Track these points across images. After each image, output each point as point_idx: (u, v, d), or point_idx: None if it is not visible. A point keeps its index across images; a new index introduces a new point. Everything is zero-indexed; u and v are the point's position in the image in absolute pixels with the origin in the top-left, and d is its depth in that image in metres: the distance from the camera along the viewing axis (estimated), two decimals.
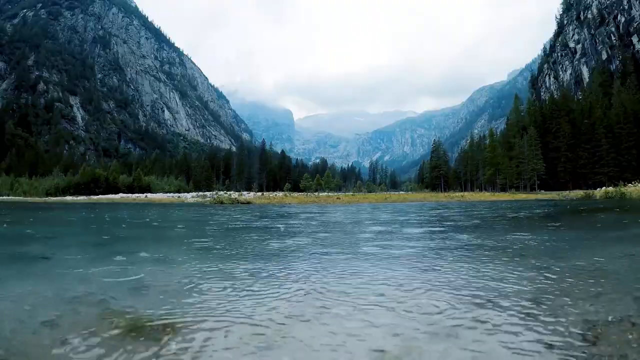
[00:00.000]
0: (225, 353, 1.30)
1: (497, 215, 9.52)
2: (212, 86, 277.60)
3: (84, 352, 1.30)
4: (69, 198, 43.00)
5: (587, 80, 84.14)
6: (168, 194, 45.09)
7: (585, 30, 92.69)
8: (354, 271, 2.68)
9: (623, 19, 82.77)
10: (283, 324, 1.58)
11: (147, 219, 10.14)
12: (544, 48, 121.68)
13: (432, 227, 6.72)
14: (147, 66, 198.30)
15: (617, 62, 77.83)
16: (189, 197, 35.19)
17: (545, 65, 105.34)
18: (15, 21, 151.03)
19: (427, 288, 2.15)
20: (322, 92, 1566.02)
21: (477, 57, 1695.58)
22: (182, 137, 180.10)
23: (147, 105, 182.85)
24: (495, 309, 1.73)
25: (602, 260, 2.94)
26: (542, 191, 45.69)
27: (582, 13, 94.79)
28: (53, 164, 78.46)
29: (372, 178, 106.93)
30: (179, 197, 37.15)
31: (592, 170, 49.97)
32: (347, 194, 52.61)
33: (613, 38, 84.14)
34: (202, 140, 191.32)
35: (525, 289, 2.10)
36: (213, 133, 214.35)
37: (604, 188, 25.29)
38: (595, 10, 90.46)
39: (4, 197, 48.42)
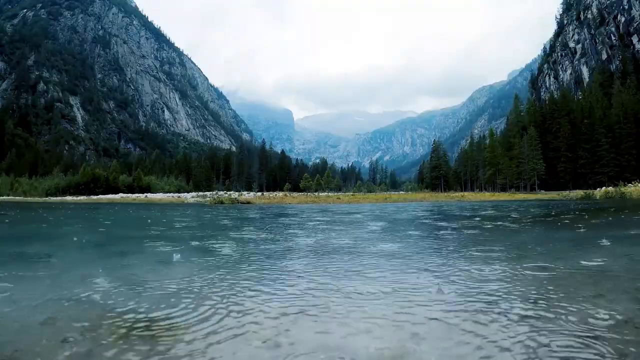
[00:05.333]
0: (225, 353, 1.29)
1: (497, 216, 9.52)
2: (212, 86, 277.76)
3: (84, 352, 1.30)
4: (69, 198, 43.02)
5: (587, 80, 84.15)
6: (168, 194, 45.08)
7: (585, 30, 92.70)
8: (353, 271, 2.68)
9: (623, 19, 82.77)
10: (283, 323, 1.59)
11: (147, 219, 10.14)
12: (544, 48, 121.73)
13: (431, 227, 6.72)
14: (147, 66, 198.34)
15: (617, 62, 77.81)
16: (189, 197, 35.19)
17: (545, 65, 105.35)
18: (15, 21, 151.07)
19: (426, 288, 2.16)
20: (322, 92, 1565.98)
21: (477, 57, 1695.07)
22: (182, 137, 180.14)
23: (147, 105, 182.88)
24: (495, 308, 1.73)
25: (602, 260, 2.94)
26: (542, 191, 45.67)
27: (582, 13, 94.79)
28: (53, 164, 78.49)
29: (372, 178, 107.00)
30: (179, 197, 37.15)
31: (592, 170, 49.93)
32: (347, 194, 52.59)
33: (613, 38, 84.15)
34: (202, 140, 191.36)
35: (525, 289, 2.10)
36: (213, 133, 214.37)
37: (604, 188, 25.28)
38: (595, 10, 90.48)
39: (4, 197, 48.43)
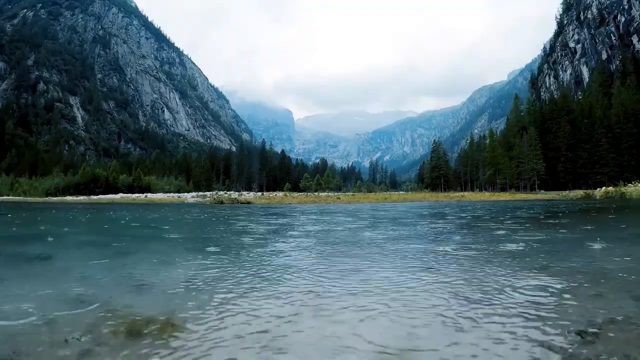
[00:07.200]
0: (225, 353, 1.29)
1: (498, 216, 9.52)
2: (212, 86, 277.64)
3: (84, 352, 1.30)
4: (69, 198, 43.02)
5: (587, 80, 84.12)
6: (168, 194, 45.10)
7: (585, 30, 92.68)
8: (353, 271, 2.68)
9: (623, 19, 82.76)
10: (283, 323, 1.59)
11: (147, 220, 10.14)
12: (544, 48, 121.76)
13: (432, 227, 6.72)
14: (147, 66, 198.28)
15: (617, 62, 77.78)
16: (189, 197, 35.21)
17: (545, 65, 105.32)
18: (15, 21, 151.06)
19: (426, 288, 2.15)
20: (322, 92, 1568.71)
21: (477, 57, 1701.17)
22: (182, 137, 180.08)
23: (147, 105, 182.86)
24: (495, 308, 1.73)
25: (602, 260, 2.94)
26: (542, 191, 45.66)
27: (582, 13, 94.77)
28: (53, 164, 78.46)
29: (372, 178, 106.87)
30: (179, 197, 37.18)
31: (592, 170, 49.92)
32: (347, 194, 52.64)
33: (613, 38, 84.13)
34: (202, 140, 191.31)
35: (525, 288, 2.10)
36: (213, 133, 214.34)
37: (604, 188, 25.30)
38: (595, 10, 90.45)
39: (4, 197, 48.44)
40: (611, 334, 1.39)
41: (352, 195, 42.69)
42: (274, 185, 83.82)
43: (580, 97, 67.48)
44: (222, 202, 23.31)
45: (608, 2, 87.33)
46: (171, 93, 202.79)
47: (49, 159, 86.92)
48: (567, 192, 35.11)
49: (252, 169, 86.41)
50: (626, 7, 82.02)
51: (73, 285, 2.32)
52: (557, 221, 7.42)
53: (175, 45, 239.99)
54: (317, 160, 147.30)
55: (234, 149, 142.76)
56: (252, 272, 2.68)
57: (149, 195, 43.18)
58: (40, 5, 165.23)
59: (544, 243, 4.09)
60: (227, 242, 4.63)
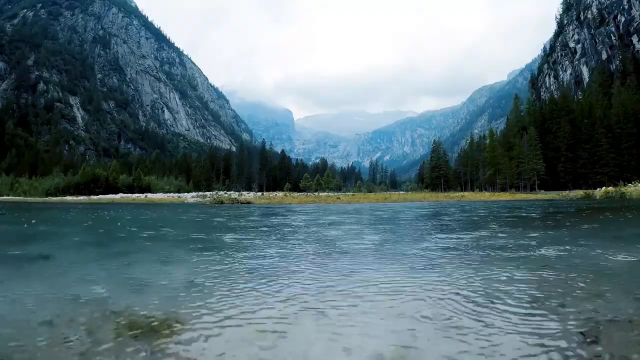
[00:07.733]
0: (225, 353, 1.29)
1: (498, 216, 9.52)
2: (212, 86, 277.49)
3: (84, 352, 1.30)
4: (69, 198, 43.00)
5: (587, 80, 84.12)
6: (168, 194, 45.09)
7: (585, 30, 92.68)
8: (353, 271, 2.68)
9: (623, 19, 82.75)
10: (283, 323, 1.59)
11: (147, 220, 10.14)
12: (544, 48, 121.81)
13: (432, 227, 6.72)
14: (147, 66, 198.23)
15: (617, 62, 77.78)
16: (189, 197, 35.19)
17: (545, 65, 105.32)
18: (15, 21, 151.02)
19: (426, 288, 2.15)
20: (322, 92, 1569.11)
21: (477, 57, 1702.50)
22: (182, 137, 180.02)
23: (147, 105, 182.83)
24: (495, 308, 1.73)
25: (602, 260, 2.94)
26: (542, 191, 45.65)
27: (582, 13, 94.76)
28: (53, 164, 78.42)
29: (372, 178, 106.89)
30: (179, 197, 37.17)
31: (592, 170, 49.93)
32: (347, 194, 52.64)
33: (613, 38, 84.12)
34: (202, 140, 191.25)
35: (525, 288, 2.10)
36: (213, 133, 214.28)
37: (604, 188, 25.27)
38: (595, 10, 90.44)
39: (4, 197, 48.44)
40: (611, 334, 1.39)
41: (352, 195, 42.68)
42: (274, 185, 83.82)
43: (580, 97, 67.51)
44: (222, 202, 23.30)
45: (608, 2, 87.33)
46: (171, 93, 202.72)
47: (49, 159, 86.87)
48: (567, 192, 35.07)
49: (252, 169, 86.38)
50: (626, 7, 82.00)
51: (73, 285, 2.32)
52: (556, 221, 7.41)
53: (175, 45, 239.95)
54: (317, 160, 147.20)
55: (234, 149, 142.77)
56: (251, 272, 2.68)
57: (149, 195, 43.16)
58: (40, 5, 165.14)
59: (543, 243, 4.08)
60: (227, 242, 4.63)
